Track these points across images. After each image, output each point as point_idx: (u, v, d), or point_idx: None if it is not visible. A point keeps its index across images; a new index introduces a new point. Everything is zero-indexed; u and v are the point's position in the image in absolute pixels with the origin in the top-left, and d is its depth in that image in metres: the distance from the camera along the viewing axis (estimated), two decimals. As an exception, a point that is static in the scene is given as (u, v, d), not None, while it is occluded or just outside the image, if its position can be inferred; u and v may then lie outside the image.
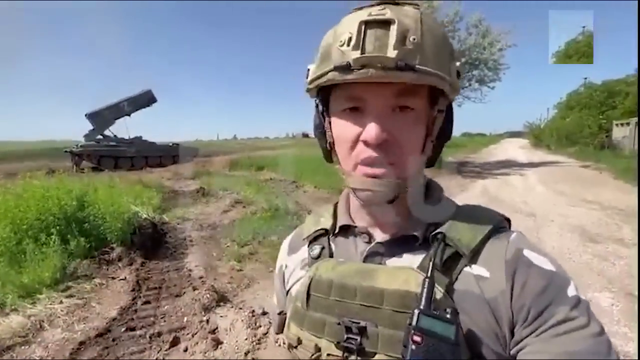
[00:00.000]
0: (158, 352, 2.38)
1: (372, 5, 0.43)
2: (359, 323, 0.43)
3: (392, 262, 0.48)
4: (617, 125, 20.63)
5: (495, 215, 0.48)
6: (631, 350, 2.36)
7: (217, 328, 2.60)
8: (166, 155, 20.94)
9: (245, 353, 2.26)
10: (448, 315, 0.37)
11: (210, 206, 7.28)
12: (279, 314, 0.59)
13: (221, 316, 2.77)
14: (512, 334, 0.40)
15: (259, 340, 2.40)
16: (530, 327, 0.38)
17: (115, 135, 20.69)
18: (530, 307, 0.39)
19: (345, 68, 0.40)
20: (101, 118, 20.03)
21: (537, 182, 10.19)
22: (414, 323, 0.37)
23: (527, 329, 0.39)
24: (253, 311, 2.79)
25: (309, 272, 0.51)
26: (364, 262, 0.49)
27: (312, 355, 0.46)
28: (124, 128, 20.98)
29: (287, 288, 0.58)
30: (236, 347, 2.34)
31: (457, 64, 0.45)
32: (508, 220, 0.49)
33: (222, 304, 2.96)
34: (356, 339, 0.42)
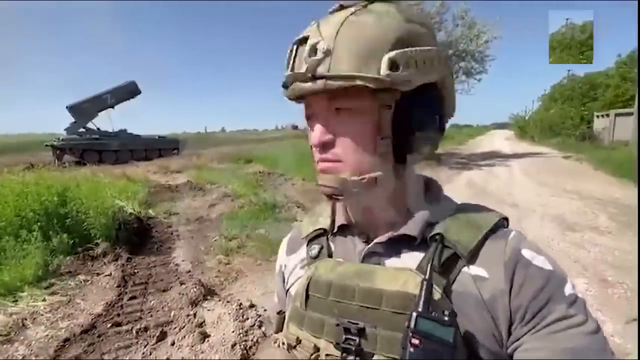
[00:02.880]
0: (145, 347, 2.38)
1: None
2: (357, 324, 0.43)
3: (391, 262, 0.48)
4: (597, 116, 21.23)
5: (493, 215, 0.48)
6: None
7: (204, 321, 2.61)
8: (152, 149, 20.52)
9: (232, 345, 2.28)
10: (446, 318, 0.38)
11: (197, 200, 7.21)
12: (279, 313, 0.59)
13: (208, 310, 2.79)
14: (509, 333, 0.40)
15: (246, 332, 2.43)
16: (528, 326, 0.39)
17: (98, 128, 20.12)
18: (528, 306, 0.39)
19: (285, 86, 0.47)
20: (83, 110, 19.42)
21: (521, 173, 10.45)
22: (412, 326, 0.38)
23: (525, 328, 0.39)
24: (240, 304, 2.81)
25: (307, 272, 0.52)
26: (362, 262, 0.50)
27: (311, 355, 0.46)
28: (107, 121, 20.37)
29: (287, 288, 0.59)
30: (223, 340, 2.36)
31: (399, 52, 0.41)
32: (506, 220, 0.49)
33: (209, 297, 2.97)
34: (355, 340, 0.43)
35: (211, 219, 5.75)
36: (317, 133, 0.46)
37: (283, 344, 0.51)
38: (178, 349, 2.34)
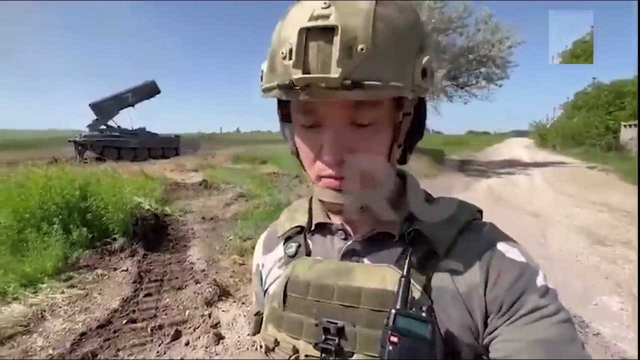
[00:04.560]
0: (159, 346, 2.36)
1: None
2: (336, 324, 0.43)
3: (370, 260, 0.47)
4: (624, 126, 20.38)
5: (468, 208, 0.48)
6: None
7: (219, 322, 2.57)
8: (169, 147, 20.95)
9: (247, 349, 2.22)
10: (424, 314, 0.37)
11: (212, 199, 7.25)
12: (256, 314, 0.57)
13: (223, 311, 2.74)
14: (485, 325, 0.40)
15: (261, 336, 2.37)
16: (503, 317, 0.39)
17: (118, 126, 20.70)
18: (504, 298, 0.40)
19: (289, 87, 0.36)
20: (105, 108, 20.03)
21: (543, 182, 10.09)
22: (390, 323, 0.37)
23: (500, 319, 0.40)
24: (255, 306, 2.76)
25: (285, 272, 0.50)
26: (341, 260, 0.48)
27: (290, 356, 0.45)
28: (127, 118, 20.97)
29: (265, 288, 0.57)
30: (238, 343, 2.31)
31: (426, 58, 0.38)
32: (480, 212, 0.49)
33: (224, 298, 2.93)
34: (334, 340, 0.42)
35: (226, 219, 5.75)
36: (333, 149, 0.40)
37: (261, 346, 0.49)
38: (192, 349, 2.30)
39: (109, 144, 18.69)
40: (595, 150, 19.92)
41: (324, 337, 0.43)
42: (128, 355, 2.26)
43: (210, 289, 2.93)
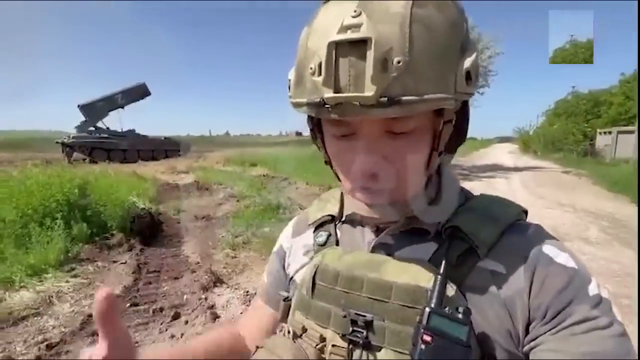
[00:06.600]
0: (161, 324, 2.64)
1: None
2: (365, 316, 0.42)
3: (402, 254, 0.45)
4: (600, 133, 21.44)
5: (513, 207, 0.46)
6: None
7: (214, 305, 2.87)
8: (158, 150, 20.99)
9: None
10: (460, 315, 0.36)
11: (204, 199, 7.50)
12: (285, 300, 0.55)
13: (218, 295, 3.04)
14: (527, 332, 0.38)
15: (252, 314, 2.68)
16: (548, 325, 0.37)
17: (108, 128, 20.64)
18: (549, 305, 0.37)
19: (320, 105, 0.35)
20: (94, 109, 19.98)
21: (520, 185, 10.67)
22: (424, 322, 0.36)
23: (544, 327, 0.37)
24: (247, 291, 3.06)
25: (314, 260, 0.50)
26: (371, 252, 0.47)
27: (317, 345, 0.45)
28: (115, 120, 20.96)
29: (290, 274, 0.57)
30: (232, 319, 2.61)
31: (470, 59, 0.36)
32: (525, 212, 0.47)
33: (218, 285, 3.23)
34: (362, 332, 0.41)
35: (218, 217, 6.02)
36: (368, 163, 0.38)
37: (288, 332, 0.49)
38: (192, 326, 2.60)
39: (98, 146, 18.67)
40: (572, 156, 20.88)
41: (351, 328, 0.42)
42: (133, 333, 2.54)
43: (206, 277, 3.22)
